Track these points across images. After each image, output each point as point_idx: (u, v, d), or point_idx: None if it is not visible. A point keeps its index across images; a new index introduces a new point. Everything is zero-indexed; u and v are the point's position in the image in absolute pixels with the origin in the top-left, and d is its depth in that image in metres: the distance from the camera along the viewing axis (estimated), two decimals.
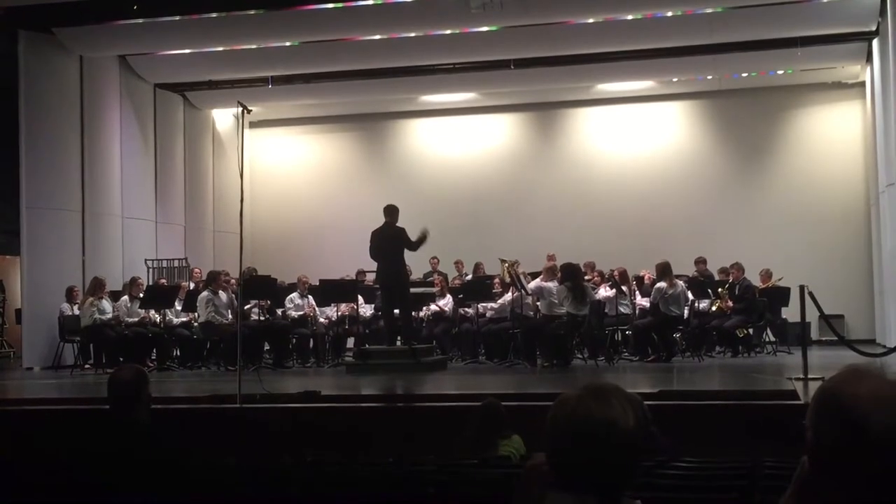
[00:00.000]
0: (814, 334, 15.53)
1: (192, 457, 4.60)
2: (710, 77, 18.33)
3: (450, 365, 13.68)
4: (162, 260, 17.32)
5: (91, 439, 4.64)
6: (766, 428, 6.97)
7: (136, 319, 14.27)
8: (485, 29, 15.47)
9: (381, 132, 20.50)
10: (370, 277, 15.70)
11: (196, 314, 14.32)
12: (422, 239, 12.73)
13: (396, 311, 13.30)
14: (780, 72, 17.94)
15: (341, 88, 18.47)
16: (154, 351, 14.61)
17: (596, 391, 2.12)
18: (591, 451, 2.05)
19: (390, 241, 12.73)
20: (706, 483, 4.19)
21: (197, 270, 16.49)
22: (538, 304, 13.46)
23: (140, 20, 15.09)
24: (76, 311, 14.38)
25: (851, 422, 1.83)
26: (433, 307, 14.85)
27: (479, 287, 14.77)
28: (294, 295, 14.95)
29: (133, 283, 14.69)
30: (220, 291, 14.19)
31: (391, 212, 12.96)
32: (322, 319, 15.20)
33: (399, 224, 12.86)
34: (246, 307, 13.48)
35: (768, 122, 18.69)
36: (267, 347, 14.73)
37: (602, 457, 2.05)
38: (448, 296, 15.05)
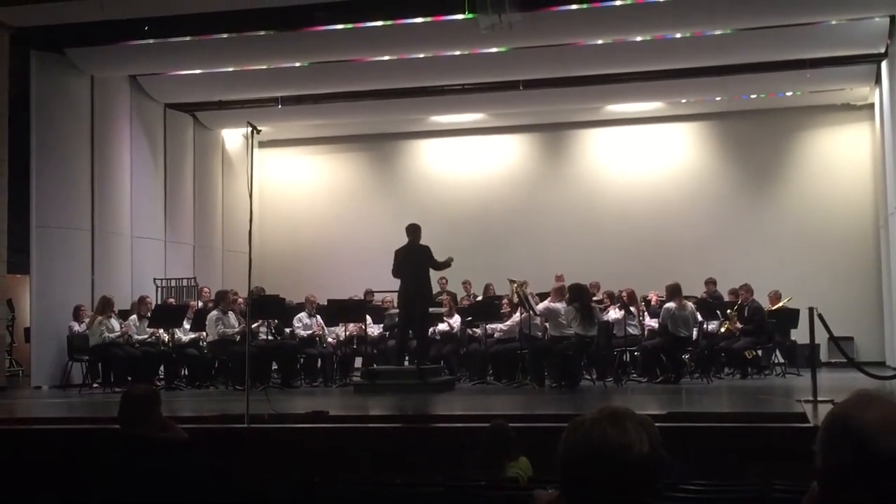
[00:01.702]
0: (823, 356, 15.48)
1: (201, 474, 4.60)
2: (718, 98, 18.35)
3: (457, 385, 13.65)
4: (171, 279, 17.35)
5: (99, 456, 4.65)
6: (776, 450, 6.95)
7: (145, 337, 14.28)
8: (494, 50, 15.52)
9: (391, 152, 20.54)
10: (378, 297, 15.70)
11: (205, 333, 14.33)
12: (447, 263, 13.01)
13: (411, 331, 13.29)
14: (788, 93, 17.96)
15: (351, 109, 18.53)
16: (162, 370, 14.61)
17: (611, 415, 2.12)
18: (605, 475, 2.05)
19: (414, 259, 12.74)
20: None
21: (206, 290, 16.51)
22: (546, 324, 13.44)
23: (151, 41, 15.19)
24: (84, 330, 14.39)
25: (861, 446, 1.83)
26: (442, 326, 14.84)
27: (487, 307, 14.76)
28: (302, 314, 14.95)
29: (141, 302, 14.70)
30: (230, 311, 14.22)
31: (414, 230, 12.98)
32: (330, 339, 15.19)
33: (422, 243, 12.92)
34: (253, 326, 13.48)
35: (777, 143, 18.70)
36: (275, 367, 14.72)
37: (616, 481, 2.05)
38: (456, 315, 15.05)
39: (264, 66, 16.52)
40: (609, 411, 2.13)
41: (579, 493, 2.08)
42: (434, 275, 14.23)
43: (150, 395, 4.77)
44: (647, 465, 2.07)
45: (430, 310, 14.03)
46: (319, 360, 15.19)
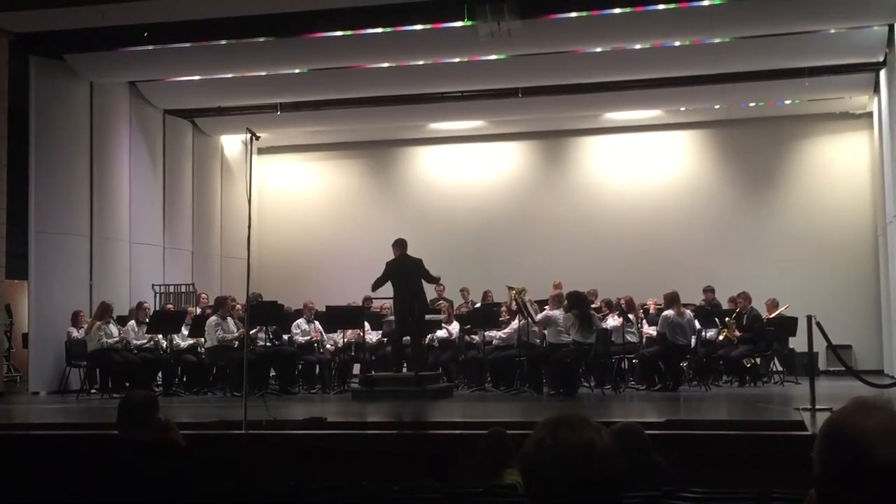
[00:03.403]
0: (821, 364, 15.47)
1: (197, 480, 4.59)
2: (717, 106, 18.38)
3: (456, 392, 13.65)
4: (169, 285, 17.34)
5: (97, 461, 4.65)
6: (774, 458, 6.94)
7: (143, 343, 14.27)
8: (493, 57, 15.53)
9: (390, 159, 20.55)
10: (377, 304, 15.71)
11: (202, 339, 14.32)
12: (438, 279, 13.26)
13: (406, 338, 13.33)
14: (787, 102, 17.97)
15: (350, 115, 18.54)
16: (160, 376, 14.60)
17: (561, 422, 2.11)
18: (578, 479, 2.04)
19: (408, 271, 12.79)
20: None
21: (204, 296, 16.51)
22: (545, 331, 13.44)
23: (150, 47, 15.19)
24: (82, 335, 14.37)
25: (859, 454, 1.83)
26: (440, 333, 14.83)
27: (485, 314, 14.76)
28: (300, 321, 14.95)
29: (139, 308, 14.71)
30: (228, 317, 14.22)
31: (401, 244, 13.04)
32: (328, 346, 15.18)
33: (412, 255, 12.97)
34: (251, 332, 13.46)
35: (776, 151, 18.71)
36: (273, 373, 14.71)
37: (590, 481, 2.04)
38: (455, 322, 15.04)
39: (264, 73, 16.53)
40: (556, 420, 2.13)
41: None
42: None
43: (149, 400, 4.77)
44: (614, 457, 2.07)
45: (428, 316, 14.05)
46: (317, 366, 15.18)
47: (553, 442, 2.08)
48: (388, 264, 12.97)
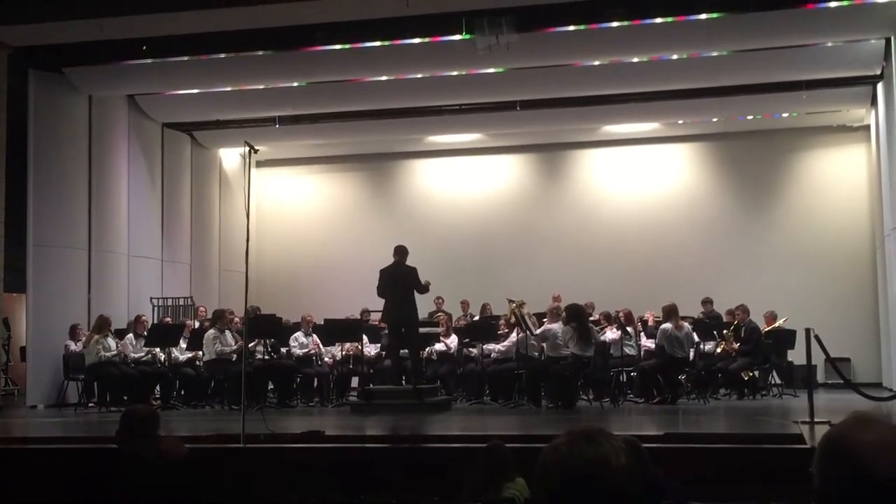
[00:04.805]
0: (820, 377, 15.48)
1: (196, 494, 4.59)
2: (715, 119, 18.39)
3: (454, 405, 13.62)
4: (167, 298, 17.32)
5: (95, 475, 4.64)
6: (773, 472, 6.94)
7: (141, 356, 14.25)
8: (491, 71, 15.56)
9: (388, 172, 20.57)
10: (375, 317, 15.69)
11: (201, 352, 14.30)
12: (427, 287, 13.05)
13: (403, 350, 13.31)
14: (785, 115, 17.99)
15: (348, 128, 18.56)
16: (158, 389, 14.58)
17: (583, 433, 2.12)
18: (589, 493, 2.04)
19: (400, 280, 12.77)
20: None
21: (202, 309, 16.49)
22: (543, 345, 13.44)
23: (149, 60, 15.21)
24: (80, 349, 14.35)
25: (857, 468, 1.83)
26: (438, 346, 14.82)
27: (484, 327, 14.75)
28: (299, 334, 14.92)
29: (138, 321, 14.69)
30: (227, 330, 14.21)
31: (400, 252, 13.02)
32: (327, 359, 15.16)
33: (408, 264, 12.94)
34: (249, 345, 13.44)
35: (774, 164, 18.74)
36: (271, 386, 14.69)
37: (600, 497, 2.04)
38: (453, 335, 15.03)
39: (262, 86, 16.55)
40: (580, 430, 2.13)
41: None
42: (431, 294, 14.29)
43: (150, 416, 4.77)
44: (627, 477, 2.07)
45: (426, 329, 14.04)
46: (316, 379, 15.16)
47: (568, 452, 2.08)
48: (382, 272, 12.98)
